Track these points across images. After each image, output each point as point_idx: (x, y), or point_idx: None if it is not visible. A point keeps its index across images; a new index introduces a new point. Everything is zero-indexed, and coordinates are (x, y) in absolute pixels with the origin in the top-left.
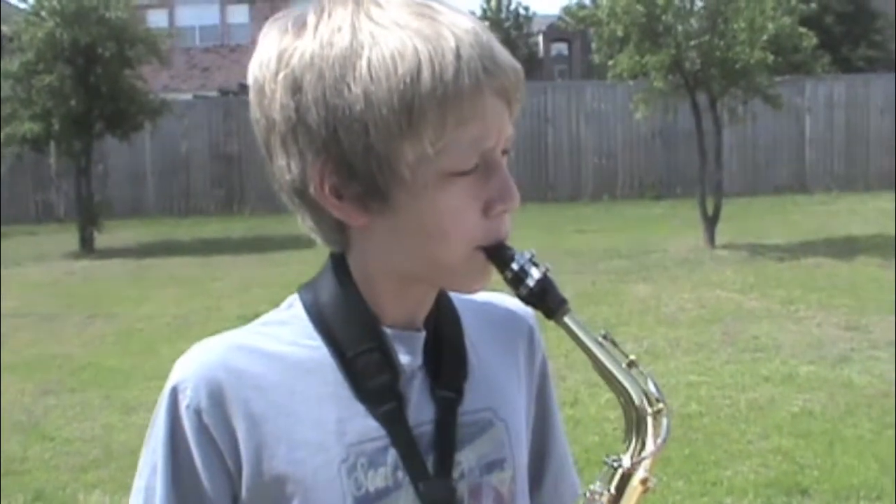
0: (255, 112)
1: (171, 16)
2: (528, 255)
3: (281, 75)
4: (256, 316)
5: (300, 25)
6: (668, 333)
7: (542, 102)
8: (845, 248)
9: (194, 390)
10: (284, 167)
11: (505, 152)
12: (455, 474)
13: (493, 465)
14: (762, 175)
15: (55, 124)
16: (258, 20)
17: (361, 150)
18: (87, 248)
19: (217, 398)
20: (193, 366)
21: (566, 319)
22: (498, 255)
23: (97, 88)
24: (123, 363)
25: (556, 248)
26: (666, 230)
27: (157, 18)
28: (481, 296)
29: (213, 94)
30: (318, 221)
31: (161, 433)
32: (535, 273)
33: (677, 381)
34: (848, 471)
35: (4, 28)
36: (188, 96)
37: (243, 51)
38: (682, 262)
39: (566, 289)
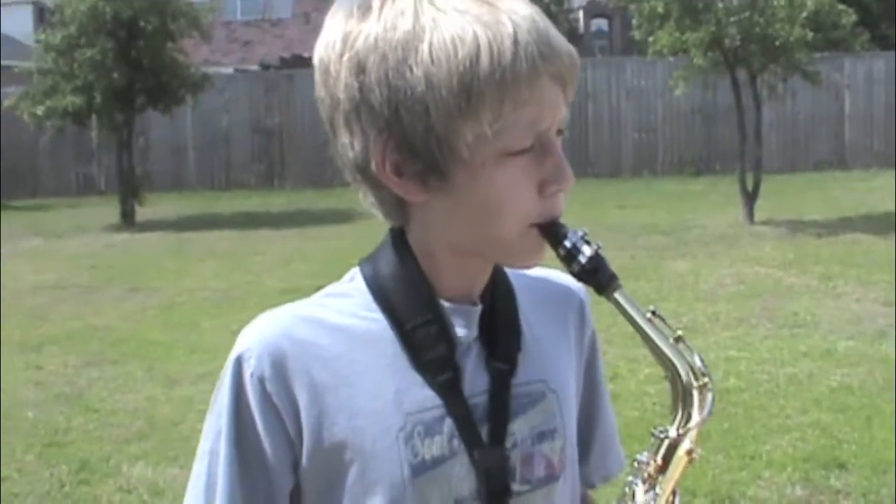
0: (319, 91)
1: None
2: (580, 233)
3: (346, 57)
4: (298, 290)
5: (365, 9)
6: (707, 309)
7: (582, 78)
8: (884, 224)
9: (258, 359)
10: (348, 145)
11: (560, 132)
12: (508, 443)
13: (544, 435)
14: (801, 151)
15: (97, 97)
16: None
17: (422, 129)
18: (127, 221)
19: (280, 368)
20: (258, 336)
21: (616, 295)
22: (552, 232)
23: (139, 62)
24: (165, 336)
25: (596, 224)
26: (705, 206)
27: None
28: (535, 271)
29: (254, 68)
30: (379, 198)
31: (226, 400)
32: (587, 250)
33: (716, 356)
34: (885, 445)
35: (47, 1)
36: (229, 70)
37: (284, 25)
38: (721, 238)
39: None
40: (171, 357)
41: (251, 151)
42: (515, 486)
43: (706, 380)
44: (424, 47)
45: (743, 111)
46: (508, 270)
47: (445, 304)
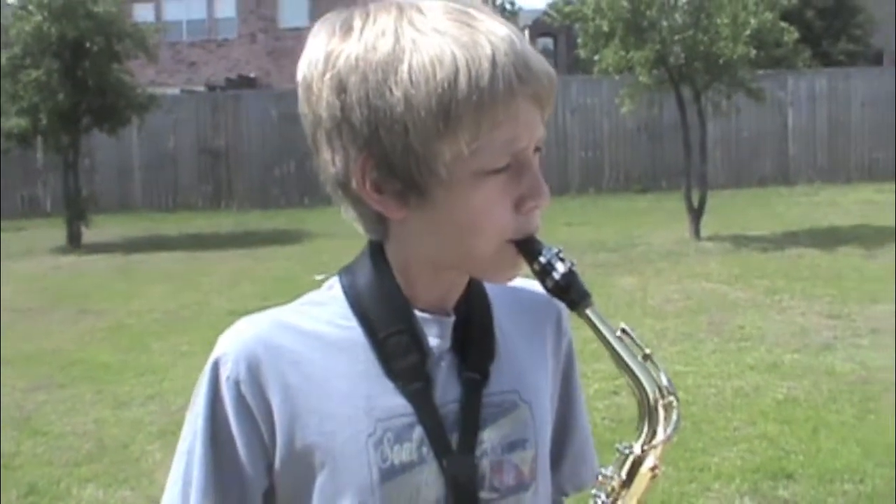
0: (303, 107)
1: (158, 10)
2: (555, 250)
3: (328, 76)
4: (246, 311)
5: (347, 28)
6: (654, 325)
7: None
8: (828, 238)
9: (234, 363)
10: (329, 161)
11: (537, 150)
12: (478, 452)
13: (515, 445)
14: (746, 167)
15: (42, 119)
16: (244, 15)
17: (401, 149)
18: (74, 242)
19: (255, 371)
20: (235, 340)
21: (588, 312)
22: (527, 248)
23: (84, 83)
24: (114, 358)
25: (544, 241)
26: (651, 223)
27: (144, 13)
28: (513, 281)
29: (201, 88)
30: (360, 213)
31: (203, 401)
32: (561, 267)
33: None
34: (832, 455)
35: None
36: (175, 91)
37: (230, 45)
38: (667, 255)
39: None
40: (120, 379)
41: (198, 172)
42: (484, 494)
43: (672, 398)
44: (404, 68)
45: (688, 128)
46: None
47: (420, 314)
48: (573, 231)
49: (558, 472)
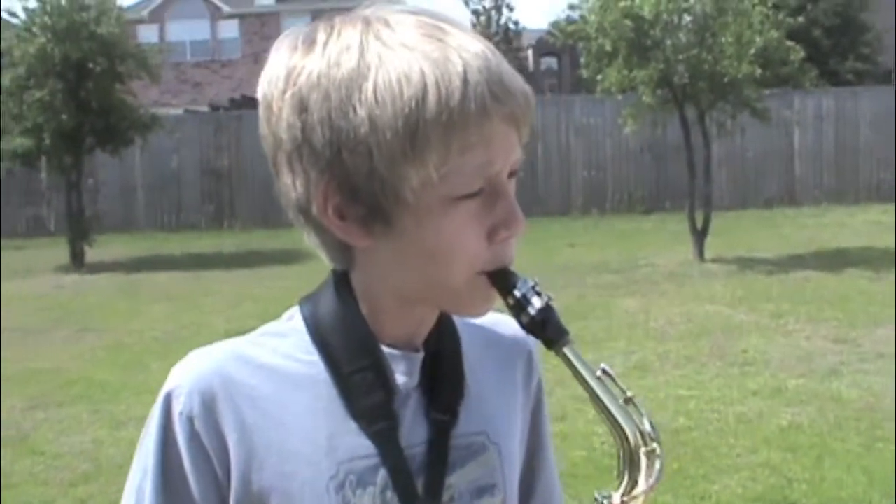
0: (263, 128)
1: (161, 31)
2: (531, 283)
3: (288, 94)
4: (246, 330)
5: (310, 43)
6: (657, 348)
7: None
8: (835, 260)
9: (188, 397)
10: (290, 185)
11: (513, 174)
12: (445, 497)
13: (483, 490)
14: (751, 188)
15: (46, 139)
16: (248, 35)
17: (365, 172)
18: (77, 262)
19: (209, 406)
20: (189, 373)
21: (566, 351)
22: (501, 280)
23: (88, 103)
24: (113, 378)
25: (546, 263)
26: (655, 244)
27: (147, 34)
28: (484, 317)
29: (204, 108)
30: (323, 240)
31: (154, 437)
32: (537, 302)
33: (666, 395)
34: (836, 485)
35: None
36: (179, 111)
37: (234, 66)
38: (671, 276)
39: (555, 303)
40: (118, 399)
41: (201, 192)
42: None
43: (655, 445)
44: (369, 86)
45: (692, 148)
46: (456, 316)
47: (386, 349)
48: (576, 252)
49: None
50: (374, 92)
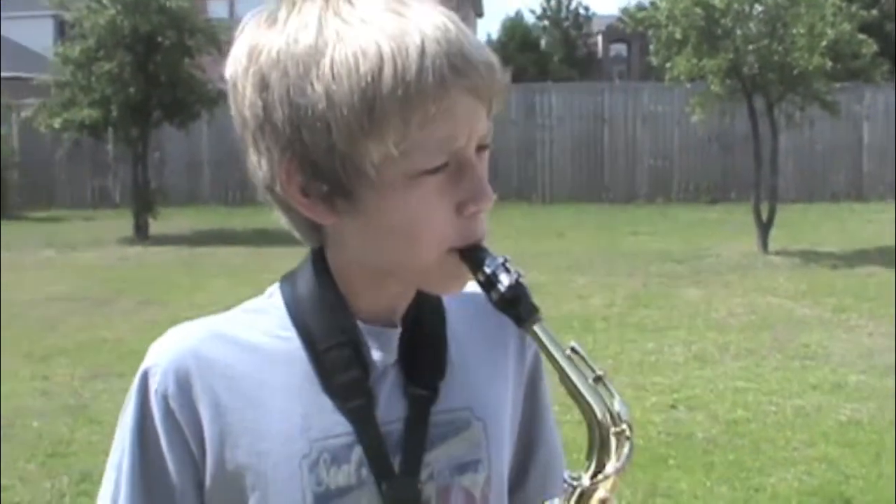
0: (231, 107)
1: (231, 6)
2: (500, 260)
3: (250, 72)
4: None
5: (272, 21)
6: (717, 338)
7: (599, 103)
8: None
9: (163, 375)
10: (256, 164)
11: (482, 148)
12: (423, 475)
13: (466, 467)
14: (818, 182)
15: (114, 111)
16: None
17: (325, 149)
18: (141, 234)
19: (184, 384)
20: (165, 351)
21: (535, 328)
22: (471, 256)
23: (156, 77)
24: None
25: (610, 250)
26: (719, 235)
27: (218, 8)
28: (473, 289)
29: None
30: (291, 218)
31: (131, 414)
32: (506, 279)
33: (725, 386)
34: (893, 482)
35: (66, 14)
36: None
37: None
38: (734, 267)
39: (618, 291)
40: None
41: None
42: None
43: (624, 426)
44: (326, 62)
45: (759, 140)
46: None
47: (363, 325)
48: (639, 240)
49: (523, 490)
50: (331, 68)
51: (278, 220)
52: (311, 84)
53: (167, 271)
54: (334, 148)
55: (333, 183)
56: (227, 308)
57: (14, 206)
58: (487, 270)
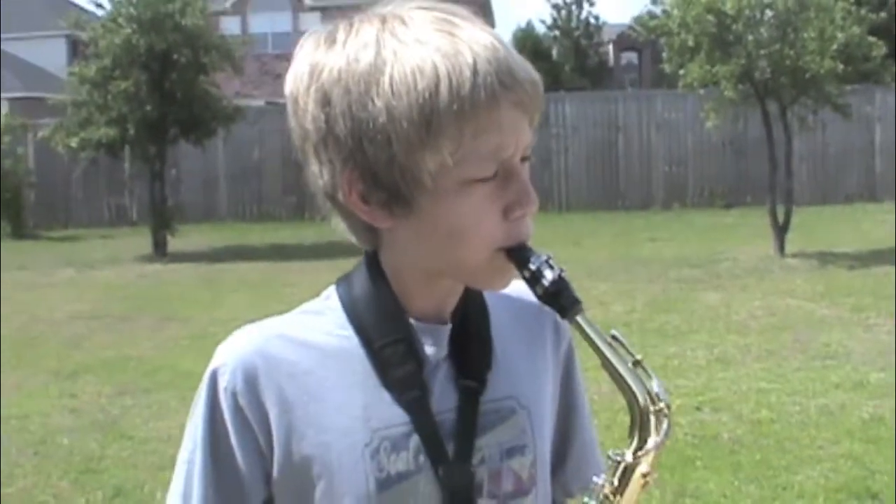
0: (291, 120)
1: (244, 23)
2: (544, 257)
3: (313, 88)
4: None
5: (331, 41)
6: (738, 341)
7: (612, 111)
8: None
9: (232, 374)
10: (317, 173)
11: (525, 159)
12: (475, 459)
13: (513, 451)
14: (832, 184)
15: (130, 129)
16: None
17: (385, 160)
18: (159, 251)
19: (252, 382)
20: (232, 351)
21: (578, 319)
22: (517, 255)
23: (172, 94)
24: (197, 366)
25: (627, 256)
26: (736, 239)
27: (231, 25)
28: (512, 287)
29: (285, 100)
30: (350, 224)
31: (201, 412)
32: (550, 274)
33: (748, 387)
34: None
35: (82, 34)
36: (260, 102)
37: None
38: (752, 271)
39: (638, 297)
40: None
41: (282, 183)
42: (482, 502)
43: (663, 405)
44: (385, 79)
45: (773, 143)
46: None
47: (415, 322)
48: (657, 247)
49: (562, 473)
50: (391, 85)
51: (334, 226)
52: (373, 100)
53: (187, 288)
54: (394, 158)
55: (392, 190)
56: (248, 322)
57: (32, 225)
58: (532, 267)
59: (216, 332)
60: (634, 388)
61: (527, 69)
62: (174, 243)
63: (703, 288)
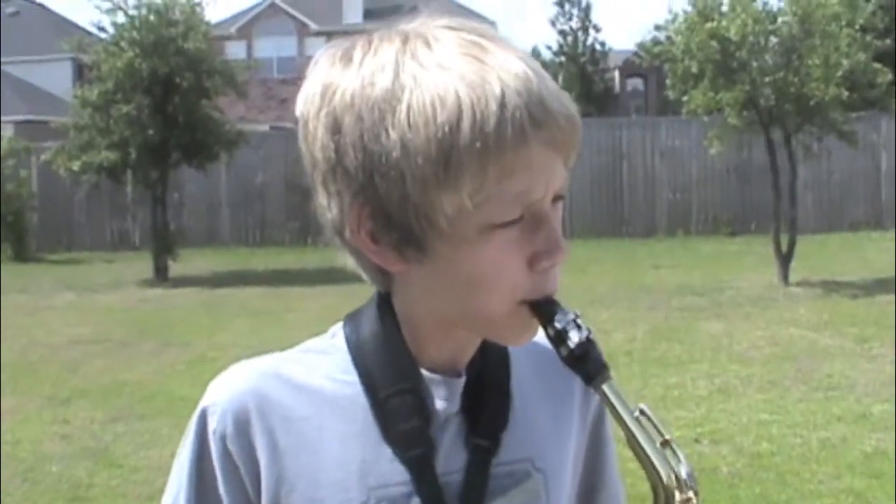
0: (301, 145)
1: (249, 47)
2: (571, 316)
3: (323, 113)
4: None
5: (347, 60)
6: (740, 371)
7: (617, 138)
8: None
9: (222, 415)
10: (325, 206)
11: (558, 199)
12: None
13: None
14: (837, 212)
15: (132, 153)
16: None
17: (397, 198)
18: (161, 276)
19: (243, 426)
20: (224, 390)
21: (604, 388)
22: (542, 310)
23: (174, 118)
24: (194, 392)
25: (630, 284)
26: (740, 266)
27: (235, 50)
28: (538, 334)
29: (290, 125)
30: (359, 262)
31: (188, 453)
32: (576, 336)
33: (749, 418)
34: None
35: (84, 57)
36: (265, 127)
37: None
38: (755, 299)
39: (640, 325)
40: None
41: (285, 208)
42: None
43: (691, 493)
44: (402, 108)
45: (778, 171)
46: None
47: (426, 373)
48: (660, 274)
49: None
50: (407, 115)
51: (346, 261)
52: (387, 131)
53: (188, 313)
54: (407, 197)
55: (404, 231)
56: (248, 348)
57: (34, 248)
58: (558, 325)
59: (215, 357)
60: (661, 470)
61: (562, 101)
62: (176, 268)
63: (705, 317)
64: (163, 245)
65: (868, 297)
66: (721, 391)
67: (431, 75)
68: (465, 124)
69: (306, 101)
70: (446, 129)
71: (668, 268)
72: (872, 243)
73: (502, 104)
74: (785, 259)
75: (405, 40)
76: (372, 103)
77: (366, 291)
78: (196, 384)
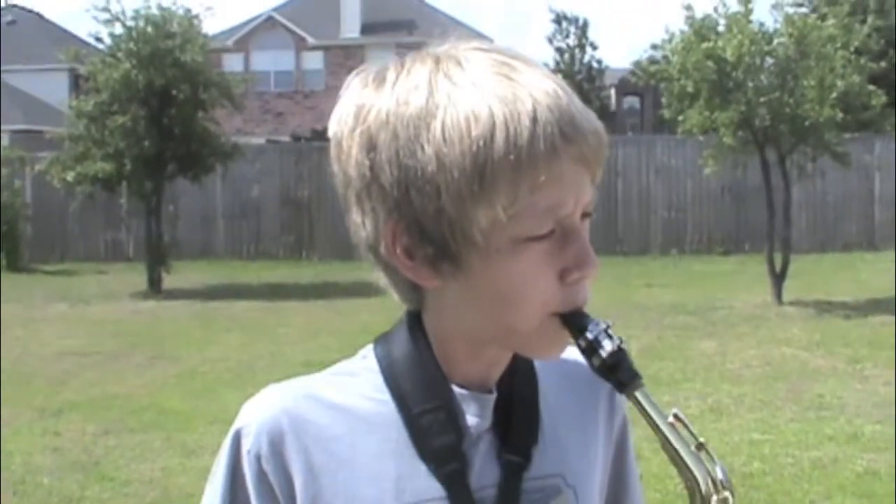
0: (334, 165)
1: (246, 60)
2: (603, 326)
3: (357, 132)
4: (321, 363)
5: (380, 81)
6: (732, 390)
7: (612, 155)
8: None
9: (256, 436)
10: (360, 224)
11: (587, 215)
12: None
13: None
14: (830, 232)
15: (127, 165)
16: (332, 67)
17: (433, 212)
18: (154, 288)
19: (277, 446)
20: (259, 411)
21: (637, 395)
22: (573, 322)
23: (170, 130)
24: (185, 405)
25: (624, 302)
26: (733, 286)
27: (233, 63)
28: (564, 353)
29: (286, 139)
30: (393, 280)
31: (222, 474)
32: (608, 345)
33: (740, 438)
34: None
35: (81, 68)
36: (261, 140)
37: (317, 97)
38: (748, 319)
39: (632, 343)
40: (190, 427)
41: (280, 222)
42: None
43: (727, 493)
44: (437, 125)
45: (772, 191)
46: None
47: (458, 390)
48: (653, 293)
49: None
50: (442, 131)
51: (378, 279)
52: (422, 146)
53: (180, 326)
54: (443, 211)
55: (440, 246)
56: (240, 362)
57: (28, 259)
58: (590, 336)
59: (206, 371)
60: (697, 473)
61: (590, 119)
62: (169, 280)
63: (698, 336)
64: (156, 257)
65: (861, 317)
66: (713, 410)
67: (465, 93)
68: (499, 138)
69: (339, 121)
70: (481, 142)
71: (662, 286)
72: (866, 264)
73: (534, 119)
74: (778, 278)
75: (437, 61)
76: (407, 120)
77: (355, 306)
78: (187, 397)
